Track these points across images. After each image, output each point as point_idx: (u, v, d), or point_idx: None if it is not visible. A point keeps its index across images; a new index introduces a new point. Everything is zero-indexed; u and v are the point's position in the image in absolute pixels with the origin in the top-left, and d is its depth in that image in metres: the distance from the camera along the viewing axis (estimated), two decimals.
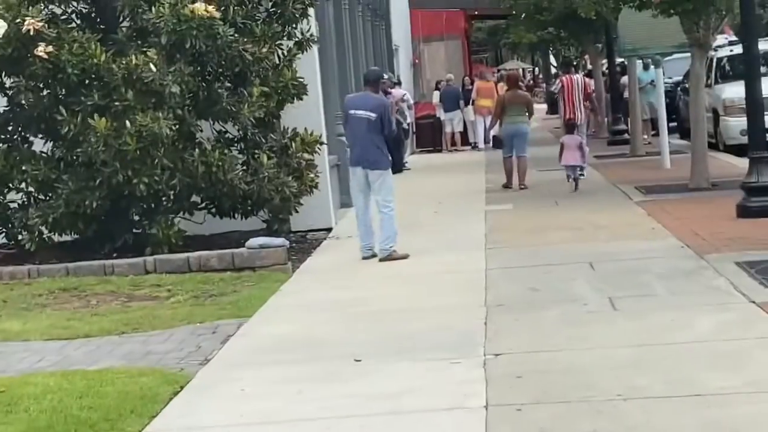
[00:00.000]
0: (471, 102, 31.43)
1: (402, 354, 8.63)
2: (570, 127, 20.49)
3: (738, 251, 11.73)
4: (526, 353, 8.33)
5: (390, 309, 10.39)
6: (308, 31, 14.77)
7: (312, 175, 14.46)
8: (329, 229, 16.27)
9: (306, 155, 14.39)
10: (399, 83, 27.36)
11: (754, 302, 9.33)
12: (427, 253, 13.38)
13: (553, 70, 57.48)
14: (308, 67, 16.02)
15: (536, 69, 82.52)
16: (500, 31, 49.82)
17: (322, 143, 14.88)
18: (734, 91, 24.56)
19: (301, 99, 14.73)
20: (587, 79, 24.18)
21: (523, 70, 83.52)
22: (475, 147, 31.75)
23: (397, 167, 25.76)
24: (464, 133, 32.23)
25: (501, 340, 8.77)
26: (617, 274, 11.04)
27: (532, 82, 70.00)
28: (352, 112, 13.19)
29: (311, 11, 15.25)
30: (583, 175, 20.64)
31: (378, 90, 13.56)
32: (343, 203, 18.81)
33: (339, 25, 20.70)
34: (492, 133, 29.97)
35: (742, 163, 21.56)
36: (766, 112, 23.74)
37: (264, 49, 14.12)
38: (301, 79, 14.57)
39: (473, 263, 12.39)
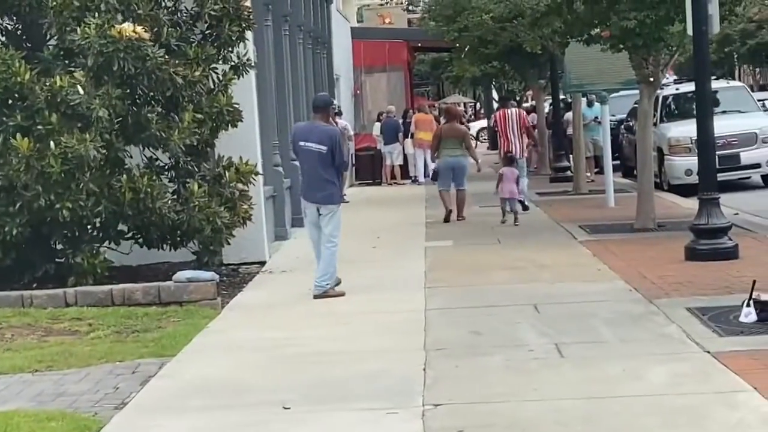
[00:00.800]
0: (410, 135, 30.95)
1: (335, 402, 8.02)
2: (508, 159, 20.34)
3: (688, 296, 11.25)
4: (467, 404, 7.73)
5: (323, 351, 9.77)
6: (245, 55, 14.15)
7: (246, 206, 13.82)
8: (263, 263, 15.63)
9: (240, 185, 13.74)
10: (339, 113, 26.78)
11: (708, 352, 8.81)
12: (364, 291, 12.79)
13: (495, 105, 57.22)
14: (245, 92, 15.41)
15: (478, 104, 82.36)
16: (443, 64, 49.41)
17: (257, 173, 14.24)
18: (680, 130, 24.35)
19: (236, 126, 14.10)
20: (523, 113, 23.62)
21: (465, 104, 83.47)
22: (415, 181, 31.24)
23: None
24: (404, 167, 31.72)
25: (441, 388, 8.17)
26: (563, 318, 10.50)
27: (473, 116, 69.85)
28: (301, 143, 12.58)
29: (249, 35, 14.64)
30: (527, 208, 20.87)
31: (328, 118, 12.89)
32: (278, 236, 18.20)
33: (278, 50, 20.11)
34: (432, 166, 29.70)
35: (688, 204, 21.26)
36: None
37: (197, 73, 13.48)
38: (237, 105, 13.94)
39: (412, 303, 11.80)
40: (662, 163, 24.57)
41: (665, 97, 25.94)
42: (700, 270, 12.83)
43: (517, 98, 39.20)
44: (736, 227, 15.29)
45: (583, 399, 7.67)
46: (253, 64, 14.39)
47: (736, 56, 77.75)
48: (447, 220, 20.08)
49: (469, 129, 47.55)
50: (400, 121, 32.14)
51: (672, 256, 14.03)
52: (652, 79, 17.35)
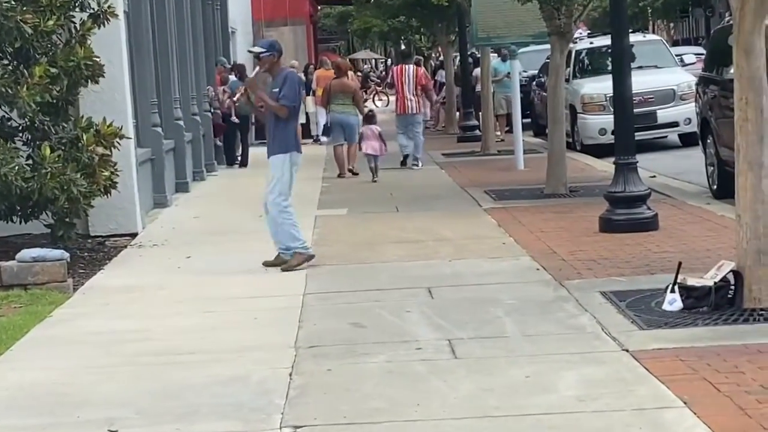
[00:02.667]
0: (311, 92, 29.33)
1: (174, 421, 6.51)
2: (368, 117, 20.13)
3: (603, 276, 9.88)
4: (335, 426, 6.27)
5: (178, 349, 8.24)
6: (106, 2, 12.46)
7: (107, 173, 12.18)
8: (134, 235, 14.03)
9: (100, 149, 12.09)
10: (234, 70, 25.06)
11: (627, 350, 7.43)
12: (240, 271, 11.27)
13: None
14: (112, 46, 13.76)
15: (389, 60, 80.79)
16: (350, 18, 47.78)
17: (122, 136, 12.59)
18: (593, 86, 23.06)
19: (96, 82, 12.46)
20: (421, 69, 22.97)
21: (375, 60, 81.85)
22: (317, 140, 29.66)
23: (231, 161, 23.65)
24: (306, 125, 30.08)
25: (306, 402, 6.70)
26: (460, 305, 9.07)
27: (384, 72, 68.24)
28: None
29: None
30: (417, 165, 21.06)
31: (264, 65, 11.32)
32: (157, 203, 16.61)
33: (159, 2, 18.40)
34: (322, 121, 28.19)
35: (602, 166, 19.97)
36: None
37: (50, 22, 11.81)
38: (97, 59, 12.28)
39: (290, 286, 10.31)
40: (575, 122, 23.28)
41: (578, 52, 24.60)
42: (615, 244, 11.48)
43: (425, 54, 37.66)
44: (655, 193, 14.00)
45: (477, 418, 6.25)
46: (117, 13, 12.69)
47: (650, 11, 77.05)
48: (342, 176, 20.14)
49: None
50: (303, 77, 30.46)
51: (585, 227, 12.69)
52: (564, 31, 15.95)
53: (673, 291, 8.45)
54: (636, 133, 22.42)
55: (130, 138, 13.57)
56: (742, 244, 8.41)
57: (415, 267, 10.92)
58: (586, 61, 24.43)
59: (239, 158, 23.78)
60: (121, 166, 13.03)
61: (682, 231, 12.05)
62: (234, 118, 23.30)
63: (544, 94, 27.62)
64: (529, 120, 27.70)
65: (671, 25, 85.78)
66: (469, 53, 28.54)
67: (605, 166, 19.86)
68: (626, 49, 12.53)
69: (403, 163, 21.46)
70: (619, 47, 12.49)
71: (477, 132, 26.26)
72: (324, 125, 21.60)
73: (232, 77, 23.85)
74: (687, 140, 23.13)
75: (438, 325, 8.41)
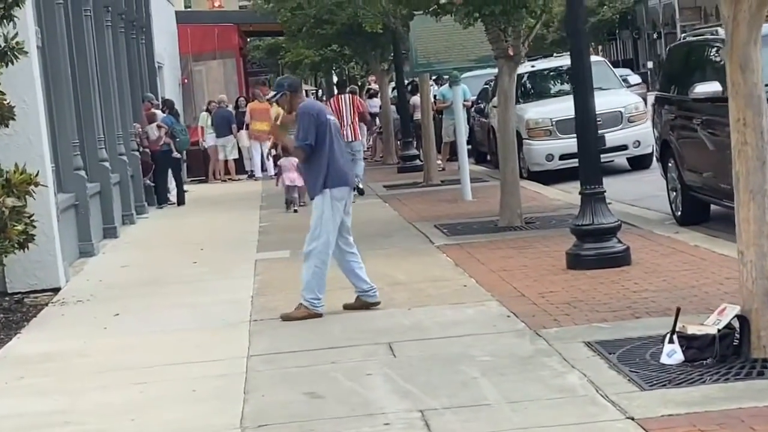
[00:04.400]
0: (245, 126, 28.18)
1: None
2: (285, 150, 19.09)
3: (583, 323, 8.82)
4: None
5: None
6: (13, 38, 11.23)
7: (21, 226, 10.91)
8: (57, 290, 12.81)
9: (10, 200, 10.82)
10: (164, 106, 23.86)
11: (632, 418, 6.36)
12: (175, 330, 10.11)
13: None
14: (25, 84, 12.62)
15: (320, 91, 79.73)
16: (280, 50, 46.61)
17: (37, 183, 11.34)
18: (538, 111, 22.16)
19: (6, 125, 11.24)
20: (357, 98, 23.10)
21: (306, 92, 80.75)
22: (251, 176, 28.52)
23: (162, 201, 22.44)
24: (239, 161, 28.96)
25: None
26: (427, 364, 7.97)
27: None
28: (329, 117, 10.26)
29: (21, 13, 11.73)
30: (362, 192, 20.64)
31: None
32: (82, 251, 15.37)
33: (79, 36, 17.20)
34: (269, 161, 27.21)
35: (553, 194, 19.01)
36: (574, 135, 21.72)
37: None
38: (4, 100, 11.06)
39: (232, 347, 9.15)
40: (520, 148, 22.25)
41: (520, 76, 23.47)
42: (588, 283, 10.44)
43: (359, 83, 36.65)
44: None
45: None
46: (26, 50, 11.47)
47: None
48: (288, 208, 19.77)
49: None
50: (233, 111, 29.30)
51: (550, 264, 11.65)
52: (512, 54, 14.95)
53: (671, 341, 7.41)
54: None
55: (47, 186, 12.33)
56: (746, 284, 7.40)
57: (370, 318, 9.82)
58: (529, 85, 23.51)
59: (171, 198, 22.60)
60: (39, 215, 11.78)
61: (657, 265, 11.04)
62: (176, 154, 22.13)
63: (484, 120, 26.81)
64: (469, 147, 26.76)
65: (600, 47, 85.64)
66: (407, 81, 27.58)
67: (556, 194, 18.94)
68: (587, 71, 11.52)
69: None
70: (579, 69, 11.47)
71: (418, 162, 25.32)
72: (275, 156, 21.10)
73: (159, 113, 22.60)
74: (636, 163, 22.32)
75: (406, 392, 7.30)
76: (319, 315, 10.00)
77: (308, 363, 8.35)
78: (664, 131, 14.91)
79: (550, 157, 21.60)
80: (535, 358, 7.89)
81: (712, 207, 14.17)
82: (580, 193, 11.60)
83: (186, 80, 33.02)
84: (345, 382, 7.69)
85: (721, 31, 13.76)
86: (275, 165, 21.85)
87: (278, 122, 10.67)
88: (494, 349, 8.24)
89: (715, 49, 13.58)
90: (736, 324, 7.40)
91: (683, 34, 15.98)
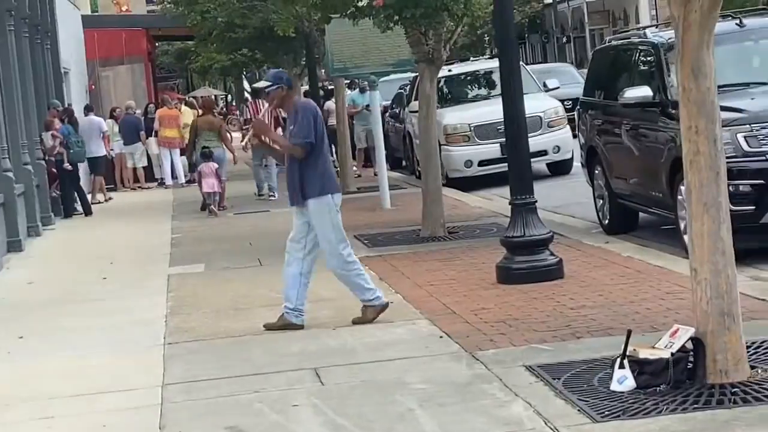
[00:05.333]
0: (154, 133, 27.36)
1: None
2: (206, 155, 20.10)
3: (521, 343, 8.29)
4: None
5: None
6: None
7: None
8: None
9: None
10: (66, 113, 22.97)
11: None
12: (82, 354, 9.42)
13: (247, 96, 53.92)
14: None
15: (229, 96, 78.88)
16: (189, 54, 45.77)
17: None
18: (456, 116, 21.68)
19: None
20: None
21: (216, 96, 79.80)
22: (161, 184, 27.72)
23: (69, 212, 21.60)
24: (149, 168, 28.14)
25: None
26: (359, 393, 7.39)
27: (225, 109, 66.39)
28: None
29: None
30: (273, 195, 21.23)
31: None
32: (11, 247, 14.84)
33: None
34: (180, 167, 26.56)
35: (473, 201, 18.53)
36: (493, 140, 21.32)
37: None
38: None
39: (146, 374, 8.48)
40: (438, 154, 21.78)
41: (437, 80, 23.13)
42: (521, 298, 9.93)
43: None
44: None
45: None
46: None
47: (487, 38, 76.76)
48: (204, 209, 19.98)
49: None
50: (142, 117, 28.47)
51: (479, 278, 11.14)
52: (433, 58, 14.44)
53: (622, 366, 6.91)
54: (503, 164, 21.54)
55: None
56: (701, 304, 6.93)
57: (293, 339, 9.20)
58: (446, 90, 23.00)
59: (77, 208, 21.77)
60: None
61: (592, 279, 10.57)
62: (67, 165, 21.22)
63: (399, 125, 26.31)
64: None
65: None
66: (320, 85, 27.01)
67: (477, 201, 18.49)
68: (516, 76, 11.01)
69: (260, 196, 21.68)
70: (509, 74, 10.96)
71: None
72: (192, 163, 21.71)
73: (57, 121, 21.67)
74: (556, 169, 21.95)
75: (337, 426, 6.72)
76: (387, 304, 9.52)
77: (229, 392, 7.72)
78: (590, 137, 14.49)
79: (468, 164, 21.17)
80: (474, 384, 7.34)
81: (641, 215, 13.81)
82: (510, 204, 11.11)
83: (93, 86, 32.07)
84: (270, 414, 7.09)
85: (649, 33, 13.41)
86: (191, 170, 22.05)
87: (263, 115, 9.85)
88: (429, 375, 7.68)
89: (642, 52, 13.18)
90: (690, 346, 6.93)
91: (608, 37, 15.56)
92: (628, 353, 6.94)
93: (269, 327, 9.58)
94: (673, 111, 11.98)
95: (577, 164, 20.85)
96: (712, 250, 6.88)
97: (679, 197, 11.69)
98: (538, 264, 10.70)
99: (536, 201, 11.04)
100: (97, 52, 32.33)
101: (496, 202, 18.73)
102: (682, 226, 11.75)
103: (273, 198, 21.19)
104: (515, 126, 10.91)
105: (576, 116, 15.33)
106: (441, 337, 8.77)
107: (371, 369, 7.97)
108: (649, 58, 12.89)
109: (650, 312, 8.91)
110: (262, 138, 9.86)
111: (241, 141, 23.29)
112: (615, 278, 10.47)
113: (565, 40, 73.19)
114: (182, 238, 16.83)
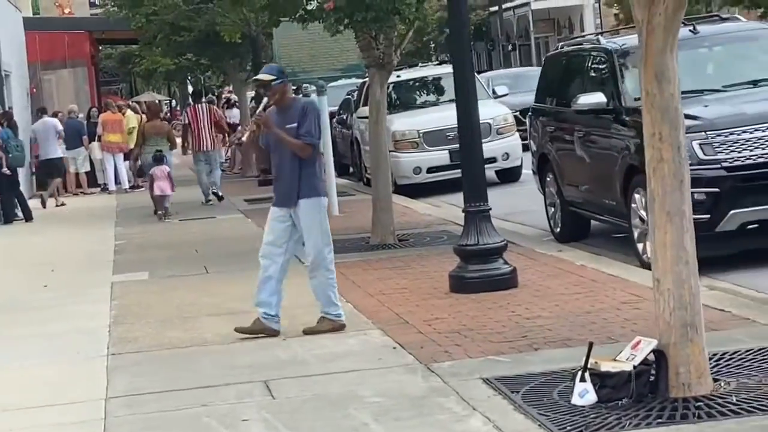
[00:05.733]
0: (97, 138, 26.92)
1: None
2: (158, 159, 20.07)
3: (477, 354, 8.07)
4: None
5: None
6: None
7: None
8: None
9: None
10: (5, 117, 22.51)
11: None
12: (23, 365, 9.09)
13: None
14: None
15: (173, 101, 78.23)
16: (133, 58, 45.28)
17: None
18: (405, 122, 21.45)
19: None
20: (215, 108, 23.51)
21: (160, 101, 79.13)
22: (104, 189, 27.28)
23: (9, 218, 21.16)
24: (91, 173, 27.69)
25: None
26: (311, 407, 7.13)
27: (169, 114, 65.83)
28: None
29: None
30: (222, 198, 21.68)
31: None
32: None
33: None
34: (124, 173, 26.19)
35: (422, 208, 18.32)
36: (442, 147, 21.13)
37: None
38: None
39: (89, 386, 8.18)
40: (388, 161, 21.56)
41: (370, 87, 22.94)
42: (476, 308, 9.72)
43: (216, 93, 35.62)
44: None
45: None
46: None
47: (433, 45, 76.77)
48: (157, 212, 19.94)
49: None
50: (84, 121, 28.01)
51: (432, 287, 10.92)
52: (384, 63, 14.22)
53: (583, 379, 6.71)
54: (451, 171, 21.54)
55: None
56: (663, 316, 6.74)
57: (242, 350, 8.94)
58: (394, 96, 22.76)
59: (18, 214, 21.32)
60: None
61: (546, 288, 10.38)
62: (5, 170, 20.75)
63: (346, 131, 26.06)
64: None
65: (447, 59, 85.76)
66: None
67: (426, 209, 18.28)
68: (470, 82, 10.84)
69: (208, 202, 21.72)
70: (463, 80, 10.77)
71: None
72: (139, 167, 22.12)
73: None
74: (505, 176, 21.79)
75: None
76: (344, 325, 9.28)
77: (175, 406, 7.44)
78: (542, 144, 14.33)
79: (417, 170, 20.96)
80: (430, 398, 7.11)
81: (593, 223, 13.67)
82: (463, 211, 10.90)
83: (35, 89, 31.54)
84: (219, 429, 6.82)
85: (602, 39, 13.27)
86: (138, 175, 22.35)
87: (267, 110, 9.47)
88: (384, 387, 7.44)
89: (596, 58, 13.03)
90: (652, 358, 6.74)
91: (560, 43, 15.39)
92: (589, 366, 6.73)
93: (242, 331, 9.32)
94: (627, 118, 11.89)
95: (526, 171, 20.78)
96: (675, 260, 6.70)
97: (633, 205, 11.57)
98: (492, 273, 10.49)
99: (490, 209, 10.85)
100: (39, 54, 31.78)
101: (445, 209, 18.55)
102: (635, 234, 11.64)
103: (211, 202, 21.65)
104: (469, 133, 10.73)
105: (527, 123, 15.14)
106: (394, 348, 8.54)
107: (323, 382, 7.72)
108: (602, 65, 12.74)
109: (607, 322, 8.73)
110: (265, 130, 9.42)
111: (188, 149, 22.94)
112: (570, 287, 10.28)
113: (510, 47, 73.30)
114: (126, 245, 16.49)
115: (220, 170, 24.12)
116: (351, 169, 26.23)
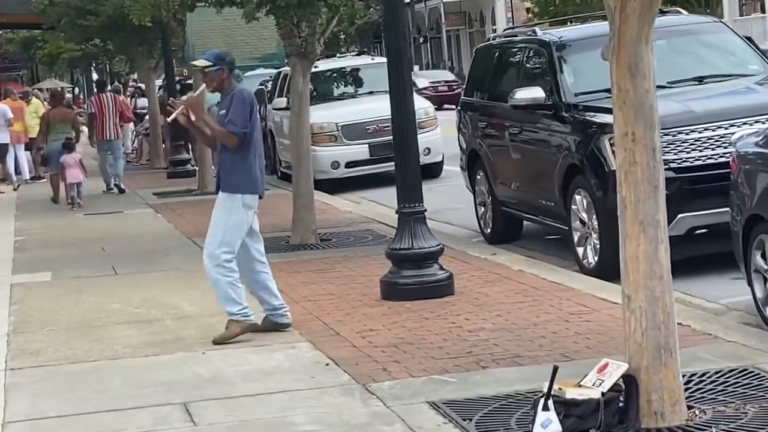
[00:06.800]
0: None
1: None
2: (69, 146, 19.67)
3: (420, 374, 7.32)
4: None
5: None
6: None
7: None
8: None
9: None
10: None
11: None
12: None
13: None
14: None
15: (76, 88, 76.46)
16: (36, 43, 43.83)
17: None
18: (322, 114, 20.61)
19: None
20: (120, 96, 23.74)
21: (62, 89, 77.33)
22: (3, 180, 26.04)
23: None
24: None
25: None
26: None
27: (72, 102, 64.28)
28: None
29: None
30: (123, 191, 21.34)
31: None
32: None
33: None
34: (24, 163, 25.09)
35: (342, 205, 17.55)
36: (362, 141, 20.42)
37: None
38: None
39: None
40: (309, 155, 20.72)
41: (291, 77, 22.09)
42: (412, 317, 8.97)
43: (122, 81, 34.47)
44: None
45: None
46: None
47: (343, 36, 75.88)
48: (55, 201, 20.18)
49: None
50: None
51: (361, 293, 10.15)
52: (306, 51, 13.42)
53: (546, 408, 5.98)
54: (371, 165, 20.83)
55: None
56: (634, 336, 6.06)
57: (157, 365, 8.09)
58: (312, 87, 21.90)
59: None
60: None
61: (485, 296, 9.65)
62: None
63: (261, 123, 25.17)
64: None
65: (365, 50, 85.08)
66: (178, 80, 25.77)
67: (346, 205, 17.52)
68: (406, 73, 10.10)
69: (110, 190, 21.58)
70: (397, 71, 10.00)
71: (189, 167, 23.58)
72: (43, 156, 21.35)
73: None
74: (426, 172, 21.00)
75: None
76: (255, 324, 8.66)
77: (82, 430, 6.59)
78: (472, 140, 13.63)
79: (335, 165, 20.19)
80: (374, 426, 6.35)
81: (525, 224, 13.02)
82: (397, 212, 10.14)
83: None
84: None
85: (539, 31, 12.60)
86: (43, 164, 21.75)
87: (200, 94, 8.85)
88: (319, 413, 6.65)
89: (531, 51, 12.35)
90: (621, 383, 6.05)
91: (492, 34, 14.70)
92: (553, 393, 6.01)
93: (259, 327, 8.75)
94: (567, 114, 11.24)
95: (448, 168, 20.12)
96: (649, 275, 6.03)
97: (573, 207, 10.92)
98: (427, 279, 9.75)
99: (425, 210, 10.10)
100: None
101: (365, 206, 17.82)
102: (575, 238, 11.00)
103: (113, 191, 21.45)
104: (404, 128, 9.98)
105: (457, 118, 14.43)
106: (327, 364, 7.75)
107: (251, 405, 6.91)
108: (539, 58, 12.08)
109: (557, 337, 8.03)
110: (191, 117, 8.78)
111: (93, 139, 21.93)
112: (510, 295, 9.58)
113: (422, 40, 72.80)
114: (27, 241, 15.48)
115: (124, 161, 23.77)
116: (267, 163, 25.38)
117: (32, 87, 49.40)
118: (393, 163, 20.18)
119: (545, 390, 5.97)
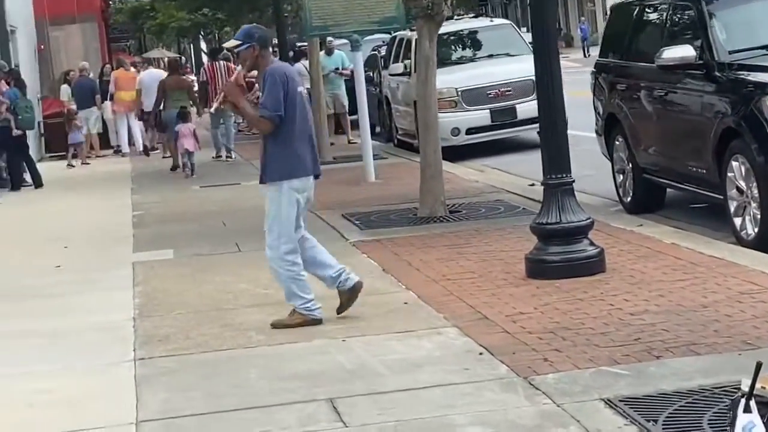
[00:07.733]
0: (110, 96, 25.42)
1: None
2: (183, 115, 19.93)
3: (586, 365, 6.60)
4: None
5: None
6: None
7: None
8: None
9: None
10: (13, 74, 21.07)
11: None
12: (26, 372, 7.66)
13: (205, 59, 51.95)
14: None
15: (183, 57, 76.62)
16: (144, 13, 43.63)
17: None
18: (442, 80, 19.75)
19: None
20: (232, 65, 22.03)
21: (178, 58, 77.52)
22: (117, 151, 25.83)
23: (17, 184, 19.77)
24: (104, 135, 26.24)
25: None
26: None
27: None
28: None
29: None
30: (231, 157, 21.76)
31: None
32: None
33: None
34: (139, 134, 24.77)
35: (465, 173, 16.87)
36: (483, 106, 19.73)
37: None
38: None
39: (113, 404, 6.73)
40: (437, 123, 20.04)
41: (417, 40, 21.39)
42: (564, 298, 8.26)
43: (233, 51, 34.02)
44: None
45: None
46: None
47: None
48: (175, 168, 20.46)
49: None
50: (97, 80, 26.48)
51: (503, 270, 9.46)
52: (433, 13, 12.74)
53: (747, 409, 5.25)
54: (492, 132, 20.10)
55: None
56: None
57: (293, 354, 7.49)
58: None
59: (27, 180, 19.93)
60: None
61: (640, 273, 8.90)
62: (16, 131, 19.35)
63: (373, 89, 24.53)
64: (354, 118, 24.57)
65: (481, 11, 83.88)
66: (296, 47, 25.32)
67: (470, 174, 16.83)
68: (552, 34, 9.35)
69: (218, 157, 21.87)
70: (541, 31, 9.25)
71: None
72: (161, 122, 21.36)
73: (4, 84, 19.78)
74: None
75: None
76: (319, 320, 8.13)
77: (224, 429, 6.01)
78: (610, 103, 12.83)
79: (456, 131, 19.48)
80: (546, 428, 5.66)
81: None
82: (543, 183, 9.41)
83: (42, 47, 30.00)
84: None
85: None
86: (160, 131, 21.97)
87: (235, 79, 8.34)
88: (481, 411, 5.99)
89: (677, 6, 11.51)
90: None
91: None
92: (756, 392, 5.28)
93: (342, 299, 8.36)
94: (720, 74, 10.41)
95: (572, 132, 19.29)
96: None
97: (729, 174, 10.11)
98: (577, 255, 9.02)
99: (573, 181, 9.36)
100: (47, 9, 30.19)
101: (490, 174, 17.14)
102: (732, 208, 10.19)
103: (231, 159, 21.70)
104: (550, 94, 9.20)
105: (591, 79, 13.63)
106: (481, 354, 7.08)
107: (404, 402, 6.26)
108: (687, 12, 11.24)
109: (733, 320, 7.27)
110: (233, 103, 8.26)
111: (205, 108, 21.53)
112: (668, 272, 8.83)
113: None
114: (145, 216, 15.05)
115: (235, 129, 23.66)
116: (378, 129, 24.76)
117: (141, 57, 49.38)
118: (515, 129, 19.88)
119: (745, 388, 5.25)
